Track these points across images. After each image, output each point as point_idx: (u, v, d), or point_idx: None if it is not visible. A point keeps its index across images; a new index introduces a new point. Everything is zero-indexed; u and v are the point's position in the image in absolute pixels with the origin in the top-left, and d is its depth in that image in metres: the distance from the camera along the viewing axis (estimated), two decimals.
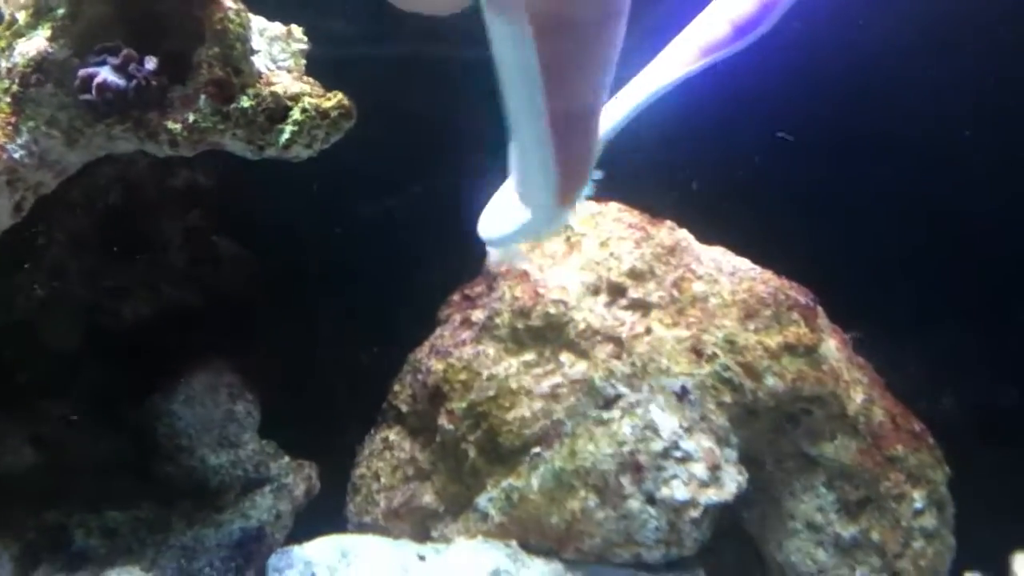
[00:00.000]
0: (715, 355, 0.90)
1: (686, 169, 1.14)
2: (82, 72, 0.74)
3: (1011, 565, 0.83)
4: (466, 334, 1.01)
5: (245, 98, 0.79)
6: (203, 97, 0.78)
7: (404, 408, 1.02)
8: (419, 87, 1.09)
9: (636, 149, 1.13)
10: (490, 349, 0.97)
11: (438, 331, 1.05)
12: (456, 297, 1.07)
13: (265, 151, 0.81)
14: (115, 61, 0.75)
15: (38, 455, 0.87)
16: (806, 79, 1.10)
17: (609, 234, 1.01)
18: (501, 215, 0.54)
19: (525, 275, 1.00)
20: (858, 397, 0.93)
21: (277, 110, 0.81)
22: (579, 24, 0.34)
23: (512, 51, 0.31)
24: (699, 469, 0.85)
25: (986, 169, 1.11)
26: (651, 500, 0.85)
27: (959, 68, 1.07)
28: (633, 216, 1.03)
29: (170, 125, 0.76)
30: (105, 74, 0.74)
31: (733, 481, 0.86)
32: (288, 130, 0.81)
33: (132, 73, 0.75)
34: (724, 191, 1.13)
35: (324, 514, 0.99)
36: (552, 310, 0.95)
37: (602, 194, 1.06)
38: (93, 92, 0.74)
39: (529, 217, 0.51)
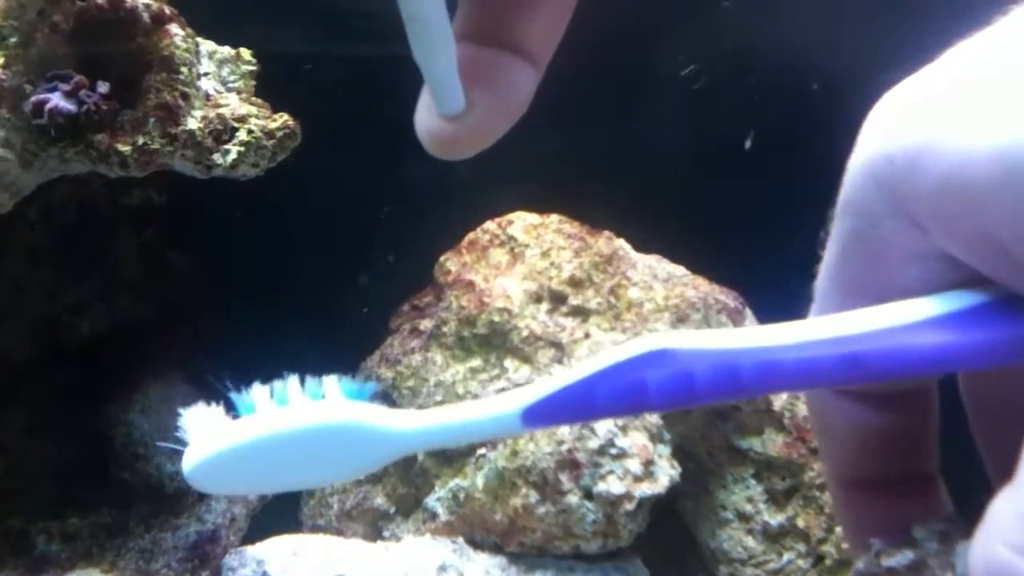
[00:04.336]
0: None
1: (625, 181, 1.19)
2: (34, 98, 0.78)
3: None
4: (415, 342, 1.05)
5: (192, 120, 0.84)
6: (152, 120, 0.82)
7: None
8: (374, 93, 1.11)
9: (580, 163, 1.19)
10: (438, 356, 1.02)
11: (388, 340, 1.09)
12: (405, 307, 1.11)
13: (213, 171, 0.85)
14: (66, 87, 0.79)
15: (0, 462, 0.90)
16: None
17: (550, 244, 1.06)
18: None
19: (471, 285, 1.04)
20: (783, 393, 0.98)
21: (224, 131, 0.85)
22: None
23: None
24: (633, 464, 0.90)
25: None
26: (588, 495, 0.89)
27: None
28: (573, 227, 1.08)
29: (120, 147, 0.80)
30: (56, 100, 0.78)
31: (666, 475, 0.91)
32: (235, 151, 0.85)
33: (82, 99, 0.79)
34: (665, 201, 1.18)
35: (280, 519, 1.02)
36: (497, 318, 1.00)
37: (545, 207, 1.12)
38: (45, 117, 0.78)
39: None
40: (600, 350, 0.97)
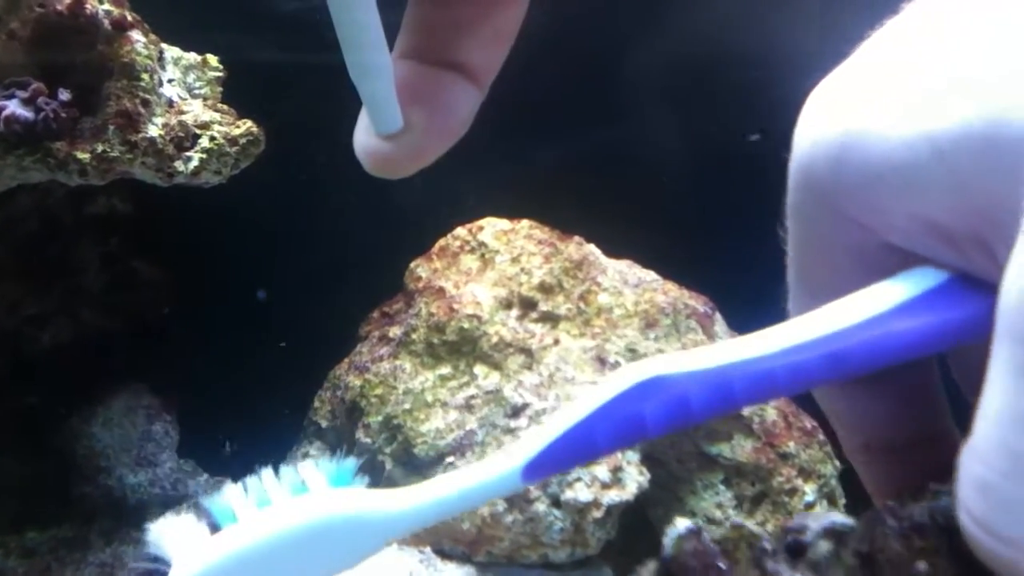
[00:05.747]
0: (617, 363, 0.95)
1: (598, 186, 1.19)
2: None
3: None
4: (384, 350, 1.05)
5: (153, 127, 0.83)
6: (112, 128, 0.81)
7: (324, 424, 1.05)
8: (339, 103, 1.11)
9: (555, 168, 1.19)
10: (407, 364, 1.01)
11: (357, 348, 1.08)
12: (375, 315, 1.11)
13: (174, 178, 0.84)
14: (24, 95, 0.78)
15: None
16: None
17: (521, 250, 1.05)
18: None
19: (441, 291, 1.03)
20: (778, 399, 0.98)
21: (186, 138, 0.84)
22: None
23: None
24: (601, 471, 0.89)
25: None
26: (556, 503, 0.89)
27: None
28: (543, 233, 1.08)
29: (79, 155, 0.79)
30: (13, 107, 0.77)
31: (634, 482, 0.90)
32: (197, 158, 0.84)
33: (40, 106, 0.78)
34: (637, 206, 1.18)
35: None
36: (466, 325, 0.99)
37: (515, 213, 1.11)
38: (2, 124, 0.77)
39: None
40: (569, 356, 0.96)
